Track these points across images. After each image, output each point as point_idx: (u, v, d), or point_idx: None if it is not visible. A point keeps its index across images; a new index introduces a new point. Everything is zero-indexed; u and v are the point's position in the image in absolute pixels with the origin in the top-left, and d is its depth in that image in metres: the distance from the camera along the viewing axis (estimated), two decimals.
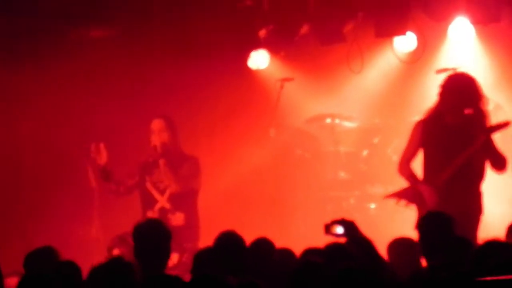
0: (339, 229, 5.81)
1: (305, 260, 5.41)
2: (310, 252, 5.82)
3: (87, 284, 5.32)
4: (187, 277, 5.87)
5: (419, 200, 7.90)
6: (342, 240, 5.86)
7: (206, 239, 8.94)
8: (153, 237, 5.98)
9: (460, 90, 7.92)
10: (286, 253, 6.23)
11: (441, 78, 8.25)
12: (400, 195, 8.09)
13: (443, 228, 5.94)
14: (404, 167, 8.08)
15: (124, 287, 5.25)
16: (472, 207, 7.81)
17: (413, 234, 6.56)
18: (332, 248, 5.81)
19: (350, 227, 5.80)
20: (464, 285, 4.34)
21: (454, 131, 7.87)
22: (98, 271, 5.37)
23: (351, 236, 5.76)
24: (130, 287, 5.28)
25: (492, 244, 5.13)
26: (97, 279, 5.32)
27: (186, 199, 9.49)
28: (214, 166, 10.15)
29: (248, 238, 6.36)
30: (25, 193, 10.76)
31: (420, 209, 7.80)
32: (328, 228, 5.85)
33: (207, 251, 6.02)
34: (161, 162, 9.51)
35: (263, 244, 6.26)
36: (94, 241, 9.65)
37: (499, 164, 7.90)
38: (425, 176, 7.98)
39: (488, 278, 3.97)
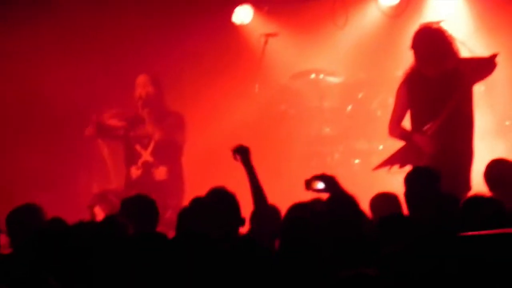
0: (320, 185, 5.83)
1: (292, 216, 5.42)
2: (297, 208, 5.83)
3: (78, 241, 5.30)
4: (170, 234, 5.90)
5: (413, 157, 7.89)
6: (323, 195, 5.88)
7: (191, 196, 9.01)
8: (140, 215, 6.02)
9: (431, 42, 7.93)
10: (272, 209, 6.23)
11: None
12: (390, 161, 8.09)
13: (430, 184, 5.95)
14: (395, 128, 8.09)
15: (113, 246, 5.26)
16: (464, 151, 7.85)
17: (397, 189, 6.61)
18: (318, 203, 5.84)
19: (330, 182, 5.82)
20: (447, 240, 4.36)
21: (435, 84, 7.89)
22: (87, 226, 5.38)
23: (332, 191, 5.79)
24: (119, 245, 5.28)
25: (475, 200, 5.15)
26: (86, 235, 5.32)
27: (169, 153, 9.54)
28: (199, 122, 10.13)
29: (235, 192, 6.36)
30: (10, 154, 10.69)
31: (416, 165, 7.77)
32: (308, 184, 5.87)
33: (193, 207, 6.00)
34: (146, 111, 9.57)
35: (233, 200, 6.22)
36: None
37: (490, 70, 7.94)
38: (416, 132, 8.00)
39: (470, 233, 4.00)
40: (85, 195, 9.88)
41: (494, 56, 7.99)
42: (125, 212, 6.14)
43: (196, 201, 6.05)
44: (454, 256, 4.19)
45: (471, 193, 5.50)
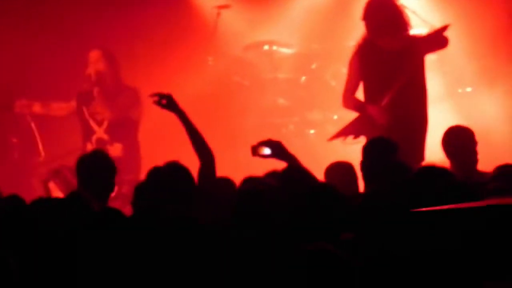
0: (266, 150, 5.84)
1: (245, 189, 5.41)
2: (250, 181, 5.82)
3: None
4: (127, 210, 5.86)
5: (367, 128, 7.92)
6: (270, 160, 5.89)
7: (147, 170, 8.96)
8: (97, 170, 5.93)
9: (383, 13, 7.95)
10: (226, 181, 6.21)
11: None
12: (344, 132, 8.11)
13: (387, 154, 5.97)
14: (348, 99, 8.12)
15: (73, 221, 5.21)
16: (417, 122, 7.90)
17: (352, 159, 6.64)
18: (272, 175, 5.83)
19: (276, 147, 5.83)
20: (398, 216, 4.39)
21: (388, 54, 7.92)
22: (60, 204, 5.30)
23: (278, 156, 5.80)
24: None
25: (428, 170, 5.17)
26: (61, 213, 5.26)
27: (124, 130, 9.45)
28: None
29: (189, 167, 6.32)
30: None
31: (370, 136, 7.79)
32: (254, 150, 5.89)
33: (147, 182, 5.97)
34: (95, 91, 9.46)
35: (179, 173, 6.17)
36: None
37: (441, 44, 7.96)
38: (369, 103, 8.03)
39: (422, 209, 4.01)
40: (31, 165, 9.80)
41: (444, 28, 8.00)
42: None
43: (152, 174, 5.99)
44: (406, 235, 4.22)
45: (424, 163, 5.52)
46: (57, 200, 5.57)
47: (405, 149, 6.77)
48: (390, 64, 7.89)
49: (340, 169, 6.50)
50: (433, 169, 5.23)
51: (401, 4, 8.09)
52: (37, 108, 9.67)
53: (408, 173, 5.67)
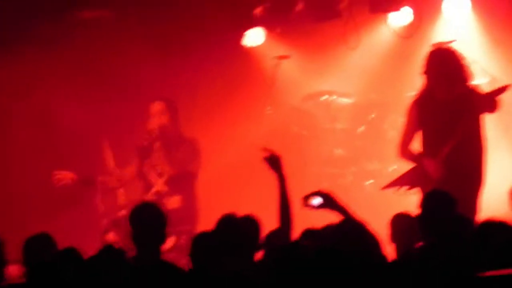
0: (316, 201, 5.84)
1: (302, 245, 5.40)
2: (308, 234, 5.82)
3: (82, 276, 5.34)
4: (183, 261, 5.91)
5: (422, 180, 7.87)
6: (320, 211, 5.89)
7: (205, 222, 9.00)
8: (147, 221, 5.90)
9: (443, 64, 7.92)
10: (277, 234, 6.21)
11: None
12: (398, 182, 8.06)
13: (445, 208, 5.92)
14: (404, 150, 8.07)
15: (115, 275, 5.27)
16: (473, 176, 7.82)
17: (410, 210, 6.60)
18: (329, 229, 5.81)
19: (327, 198, 5.83)
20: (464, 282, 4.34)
21: (446, 106, 7.87)
22: (89, 262, 5.40)
23: (329, 206, 5.79)
24: (122, 274, 5.29)
25: (489, 225, 5.10)
26: (89, 270, 5.35)
27: (183, 182, 9.41)
28: (211, 146, 10.11)
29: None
30: (17, 178, 10.71)
31: (424, 189, 7.74)
32: (305, 201, 5.89)
33: (206, 235, 6.01)
34: (156, 145, 9.48)
35: (249, 224, 6.23)
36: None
37: (494, 107, 7.88)
38: (425, 155, 7.98)
39: (489, 274, 3.96)
40: (95, 219, 9.90)
41: (504, 89, 7.92)
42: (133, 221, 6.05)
43: (225, 224, 6.04)
44: None
45: (484, 217, 5.44)
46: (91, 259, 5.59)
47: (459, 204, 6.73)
48: (448, 116, 7.84)
49: (406, 220, 6.44)
50: (494, 224, 5.14)
51: (462, 55, 8.04)
52: (113, 183, 9.66)
53: (469, 227, 5.61)
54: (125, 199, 9.61)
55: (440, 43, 9.72)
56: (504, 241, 4.75)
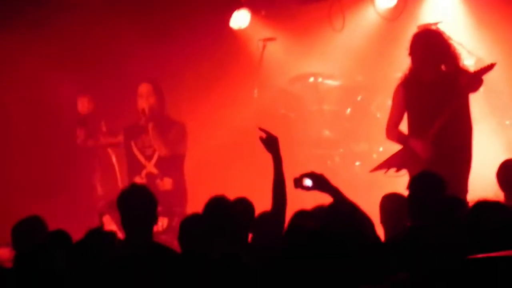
0: (308, 182, 5.85)
1: (296, 225, 5.42)
2: (300, 215, 5.84)
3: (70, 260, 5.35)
4: (176, 243, 5.92)
5: (410, 161, 7.90)
6: (312, 193, 5.91)
7: (193, 203, 9.02)
8: (137, 204, 5.84)
9: (429, 46, 7.93)
10: (270, 214, 6.23)
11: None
12: (387, 164, 8.09)
13: (434, 189, 5.94)
14: (392, 131, 8.10)
15: (103, 259, 5.30)
16: (462, 157, 7.85)
17: (399, 191, 6.63)
18: (321, 210, 5.84)
19: (318, 179, 5.84)
20: (455, 266, 4.36)
21: (433, 88, 7.89)
22: (76, 246, 5.41)
23: (320, 188, 5.81)
24: (110, 258, 5.31)
25: (483, 205, 5.09)
26: (77, 255, 5.37)
27: (173, 164, 9.47)
28: (199, 129, 10.13)
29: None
30: (15, 164, 10.70)
31: (412, 170, 7.76)
32: (297, 182, 5.90)
33: (194, 217, 6.01)
34: (150, 126, 9.50)
35: (243, 206, 6.25)
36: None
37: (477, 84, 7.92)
38: (413, 136, 8.01)
39: (480, 256, 3.98)
40: (92, 199, 9.91)
41: (491, 67, 7.94)
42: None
43: (215, 207, 6.05)
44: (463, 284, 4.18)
45: (476, 197, 5.43)
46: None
47: (448, 183, 6.76)
48: (434, 97, 7.86)
49: (395, 201, 6.46)
50: (488, 204, 5.13)
51: (448, 36, 8.06)
52: (90, 142, 9.74)
53: (461, 208, 5.63)
54: (122, 181, 9.64)
55: (426, 25, 9.76)
56: (499, 222, 4.76)
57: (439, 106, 7.83)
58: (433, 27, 8.71)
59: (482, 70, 7.88)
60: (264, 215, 6.28)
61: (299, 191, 6.02)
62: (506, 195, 6.64)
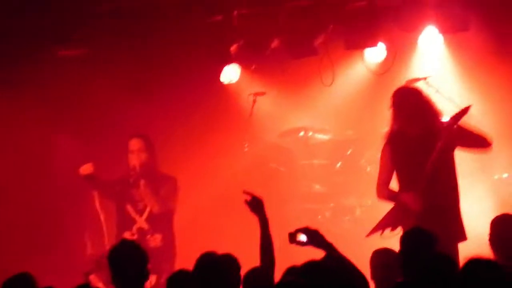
0: (303, 237, 5.84)
1: (286, 282, 5.40)
2: (292, 272, 5.82)
3: None
4: None
5: (403, 218, 7.91)
6: (307, 248, 5.89)
7: (182, 258, 8.97)
8: (129, 261, 5.83)
9: (409, 102, 8.01)
10: (259, 271, 6.20)
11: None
12: (381, 225, 8.09)
13: (424, 245, 5.94)
14: (383, 191, 8.13)
15: None
16: (450, 205, 7.87)
17: (391, 246, 6.62)
18: (311, 266, 5.81)
19: (313, 235, 5.83)
20: None
21: (418, 142, 7.95)
22: None
23: (315, 243, 5.79)
24: None
25: (474, 263, 5.06)
26: None
27: (164, 220, 9.43)
28: (189, 182, 10.11)
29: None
30: (5, 220, 10.66)
31: (406, 226, 7.77)
32: (292, 237, 5.89)
33: (182, 274, 5.98)
34: (141, 183, 9.46)
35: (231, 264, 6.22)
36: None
37: (480, 143, 7.95)
38: (403, 191, 8.04)
39: None
40: (80, 257, 9.84)
41: (466, 110, 8.00)
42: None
43: (205, 264, 6.02)
44: None
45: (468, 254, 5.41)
46: None
47: (442, 230, 6.77)
48: (421, 152, 7.91)
49: (385, 256, 6.45)
50: (481, 262, 5.07)
51: (427, 93, 8.17)
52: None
53: (451, 265, 5.61)
54: (106, 234, 9.58)
55: (414, 79, 9.84)
56: (491, 280, 4.73)
57: (426, 161, 7.87)
58: (413, 85, 8.81)
59: (458, 114, 7.95)
60: (254, 270, 6.26)
61: (290, 246, 6.02)
62: (497, 253, 6.59)
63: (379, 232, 8.08)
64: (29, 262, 7.49)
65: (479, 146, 8.07)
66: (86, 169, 9.36)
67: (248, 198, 6.48)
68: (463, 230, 7.85)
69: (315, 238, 5.81)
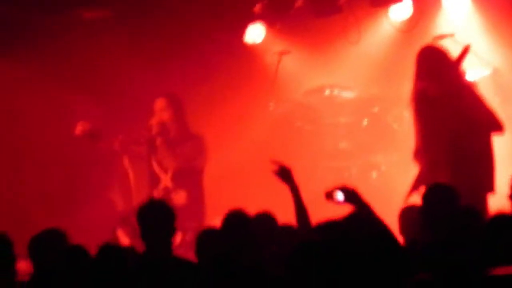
0: (340, 196, 5.83)
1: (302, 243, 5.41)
2: (315, 230, 5.82)
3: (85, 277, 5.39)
4: (190, 256, 5.93)
5: (434, 174, 7.84)
6: (344, 207, 5.88)
7: (210, 217, 9.02)
8: (156, 218, 5.92)
9: (432, 62, 7.95)
10: (289, 229, 6.24)
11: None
12: (415, 185, 8.00)
13: (448, 201, 5.92)
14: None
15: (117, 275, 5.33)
16: (482, 153, 7.82)
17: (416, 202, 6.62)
18: (333, 225, 5.80)
19: (351, 193, 5.83)
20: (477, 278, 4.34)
21: (441, 102, 7.89)
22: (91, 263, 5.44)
23: (352, 202, 5.79)
24: (123, 273, 5.34)
25: (501, 218, 5.00)
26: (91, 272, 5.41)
27: (189, 178, 9.48)
28: (215, 142, 10.13)
29: (253, 213, 6.39)
30: (33, 178, 10.76)
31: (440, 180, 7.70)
32: (329, 195, 5.89)
33: (211, 232, 6.03)
34: (158, 141, 9.54)
35: (265, 221, 6.27)
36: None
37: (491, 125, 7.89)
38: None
39: (497, 272, 3.95)
40: (110, 214, 9.93)
41: (466, 50, 7.90)
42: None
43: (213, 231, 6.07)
44: None
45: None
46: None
47: (472, 182, 6.74)
48: (443, 111, 7.85)
49: (414, 212, 6.45)
50: (507, 217, 5.03)
51: (454, 48, 8.08)
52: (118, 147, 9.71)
53: (477, 219, 5.59)
54: (134, 191, 9.66)
55: (441, 36, 9.77)
56: None
57: (449, 120, 7.82)
58: (438, 43, 8.72)
59: (460, 56, 7.88)
60: (287, 228, 6.27)
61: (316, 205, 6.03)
62: None
63: (416, 192, 8.01)
64: (58, 221, 7.53)
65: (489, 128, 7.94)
66: (80, 127, 9.41)
67: (277, 168, 6.46)
68: (492, 182, 7.76)
69: (352, 197, 5.80)
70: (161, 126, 9.50)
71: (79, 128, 9.45)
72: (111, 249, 5.63)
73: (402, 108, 9.90)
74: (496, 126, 7.86)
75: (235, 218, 6.08)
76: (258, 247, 5.89)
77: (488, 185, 7.74)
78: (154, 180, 9.58)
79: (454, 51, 8.22)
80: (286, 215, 6.45)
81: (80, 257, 5.72)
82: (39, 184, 10.63)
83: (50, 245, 6.22)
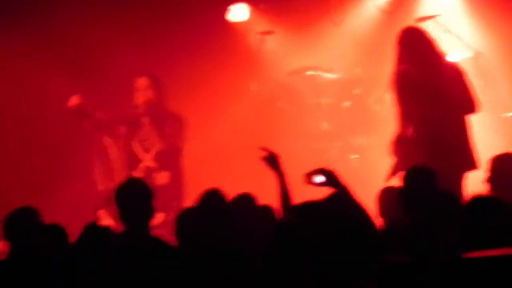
0: (319, 178, 5.85)
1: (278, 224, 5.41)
2: (292, 211, 5.83)
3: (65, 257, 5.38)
4: (171, 238, 5.92)
5: (414, 156, 7.86)
6: (323, 189, 5.89)
7: (191, 197, 9.01)
8: (134, 197, 5.86)
9: (412, 43, 7.94)
10: (267, 210, 6.24)
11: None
12: (394, 170, 8.01)
13: (426, 182, 5.95)
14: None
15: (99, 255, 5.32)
16: (460, 132, 7.83)
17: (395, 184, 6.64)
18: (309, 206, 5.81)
19: (330, 176, 5.85)
20: (452, 261, 4.36)
21: (421, 83, 7.89)
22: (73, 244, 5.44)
23: (331, 185, 5.81)
24: (106, 253, 5.34)
25: (480, 201, 5.03)
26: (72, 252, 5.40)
27: (171, 158, 9.48)
28: (196, 122, 10.12)
29: (233, 194, 6.40)
30: (13, 159, 10.71)
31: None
32: (308, 177, 5.90)
33: (189, 211, 6.03)
34: (145, 120, 9.50)
35: (244, 201, 6.28)
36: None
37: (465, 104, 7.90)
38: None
39: (474, 255, 3.98)
40: (92, 194, 9.91)
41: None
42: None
43: (192, 211, 6.06)
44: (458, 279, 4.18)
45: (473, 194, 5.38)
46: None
47: (449, 162, 6.76)
48: (423, 92, 7.86)
49: (393, 194, 6.46)
50: (486, 200, 5.05)
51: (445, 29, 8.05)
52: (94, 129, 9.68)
53: (455, 203, 5.62)
54: (115, 170, 9.63)
55: (423, 18, 9.77)
56: (497, 219, 4.74)
57: (428, 101, 7.82)
58: (418, 24, 8.70)
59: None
60: (266, 209, 6.28)
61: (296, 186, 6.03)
62: (493, 190, 6.57)
63: (395, 176, 8.02)
64: (38, 200, 7.50)
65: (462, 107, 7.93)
66: (73, 100, 9.36)
67: (265, 154, 6.46)
68: (473, 160, 7.77)
69: (331, 179, 5.82)
70: (148, 104, 9.46)
71: (72, 101, 9.40)
72: (95, 229, 5.61)
73: (383, 90, 9.91)
74: (470, 105, 7.85)
75: (211, 197, 6.08)
76: (235, 227, 5.89)
77: (466, 164, 7.72)
78: (133, 160, 9.54)
79: (435, 33, 8.22)
80: (267, 196, 6.45)
81: (57, 236, 5.70)
82: (19, 165, 10.58)
83: (23, 223, 6.18)
